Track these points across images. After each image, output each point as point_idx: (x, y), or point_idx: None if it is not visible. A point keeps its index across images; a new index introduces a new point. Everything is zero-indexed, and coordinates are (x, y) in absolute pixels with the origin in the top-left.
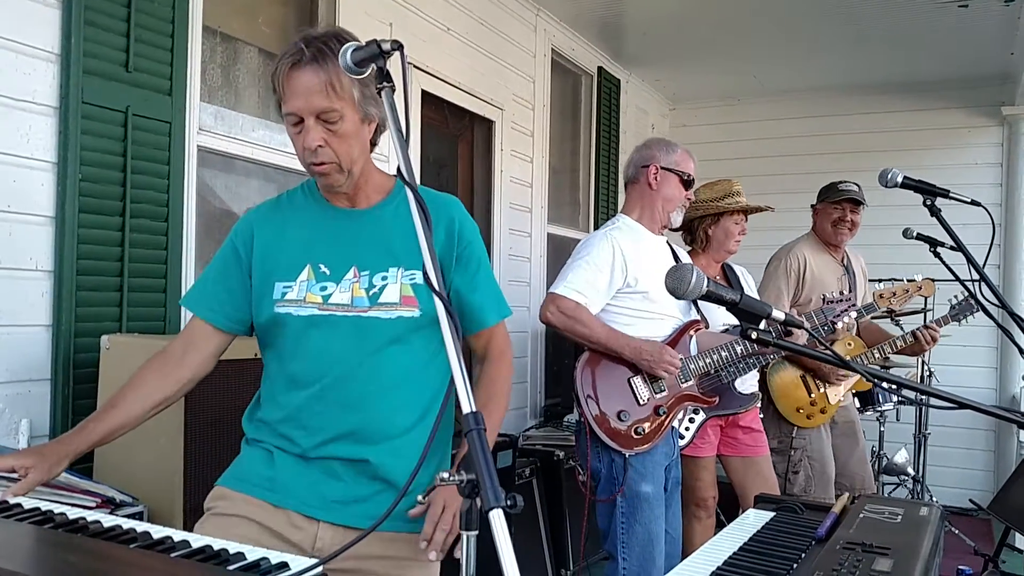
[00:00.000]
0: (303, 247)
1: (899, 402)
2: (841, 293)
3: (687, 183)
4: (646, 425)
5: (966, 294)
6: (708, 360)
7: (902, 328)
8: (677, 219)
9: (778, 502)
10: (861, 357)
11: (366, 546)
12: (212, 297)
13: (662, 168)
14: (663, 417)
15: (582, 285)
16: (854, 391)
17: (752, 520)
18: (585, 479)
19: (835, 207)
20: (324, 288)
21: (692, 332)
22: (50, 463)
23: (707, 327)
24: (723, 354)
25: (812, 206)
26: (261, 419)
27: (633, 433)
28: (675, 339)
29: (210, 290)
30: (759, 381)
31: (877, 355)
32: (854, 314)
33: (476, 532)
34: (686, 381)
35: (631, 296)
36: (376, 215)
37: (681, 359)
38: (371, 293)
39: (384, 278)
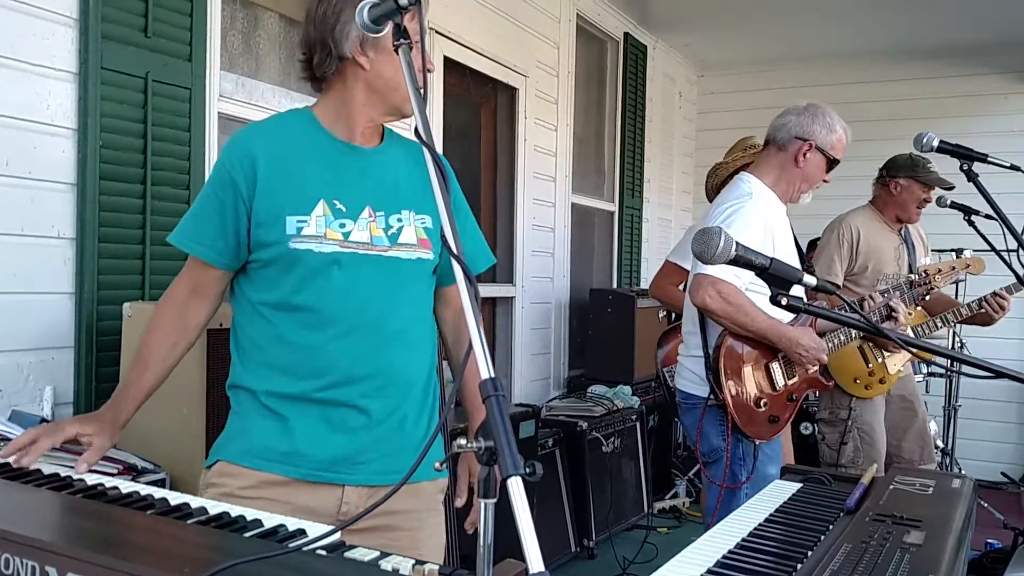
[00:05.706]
0: (313, 180)
1: (929, 374)
2: (896, 276)
3: (831, 165)
4: (781, 413)
5: None
6: (834, 343)
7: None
8: (806, 199)
9: (805, 473)
10: (922, 327)
11: (394, 501)
12: (211, 236)
13: (817, 147)
14: (794, 403)
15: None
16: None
17: (779, 491)
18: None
19: (925, 189)
20: (343, 225)
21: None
22: (110, 430)
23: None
24: (841, 338)
25: (890, 177)
26: (270, 363)
27: (768, 421)
28: (800, 322)
29: (207, 229)
30: None
31: (940, 324)
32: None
33: (495, 500)
34: (813, 365)
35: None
36: (382, 156)
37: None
38: (389, 233)
39: (399, 219)
